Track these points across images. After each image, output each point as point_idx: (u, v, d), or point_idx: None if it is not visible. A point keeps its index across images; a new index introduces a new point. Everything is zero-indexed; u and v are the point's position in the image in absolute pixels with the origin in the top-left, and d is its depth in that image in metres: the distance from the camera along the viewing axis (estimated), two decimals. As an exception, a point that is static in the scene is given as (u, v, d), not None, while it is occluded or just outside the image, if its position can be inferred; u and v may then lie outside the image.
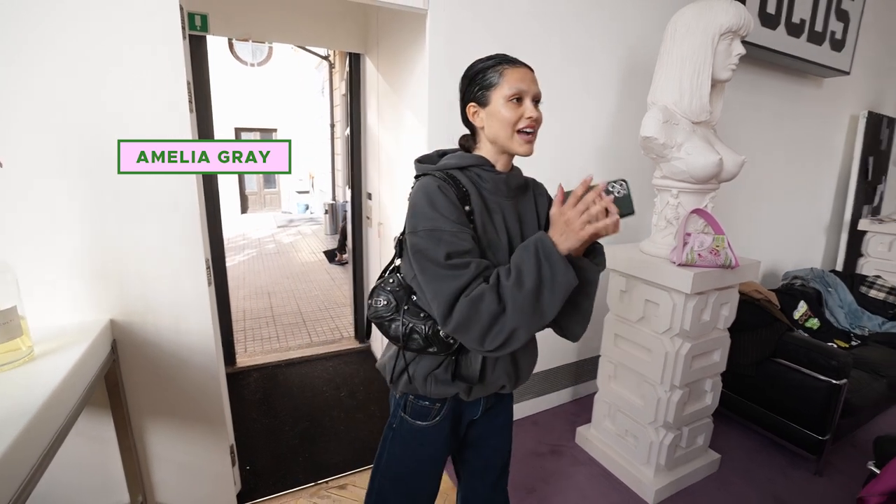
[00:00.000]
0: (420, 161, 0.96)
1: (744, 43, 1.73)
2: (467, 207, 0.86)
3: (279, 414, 2.33)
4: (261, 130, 9.84)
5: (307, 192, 10.26)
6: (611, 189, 0.83)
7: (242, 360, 2.93)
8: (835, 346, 2.50)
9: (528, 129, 0.88)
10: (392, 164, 2.42)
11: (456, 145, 1.02)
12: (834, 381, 1.90)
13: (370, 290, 0.97)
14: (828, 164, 3.51)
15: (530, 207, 1.00)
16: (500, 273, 0.80)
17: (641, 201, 2.31)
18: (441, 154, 0.97)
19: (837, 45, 2.97)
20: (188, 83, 1.33)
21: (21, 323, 0.98)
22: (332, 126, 7.49)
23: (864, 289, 2.98)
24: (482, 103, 0.89)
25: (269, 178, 10.58)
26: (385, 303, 0.92)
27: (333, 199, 7.63)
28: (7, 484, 0.72)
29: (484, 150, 0.94)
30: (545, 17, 1.93)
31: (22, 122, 1.14)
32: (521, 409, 2.32)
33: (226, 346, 2.71)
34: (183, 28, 1.29)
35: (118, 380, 1.33)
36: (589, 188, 0.80)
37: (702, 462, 1.94)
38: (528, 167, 2.05)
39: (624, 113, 2.25)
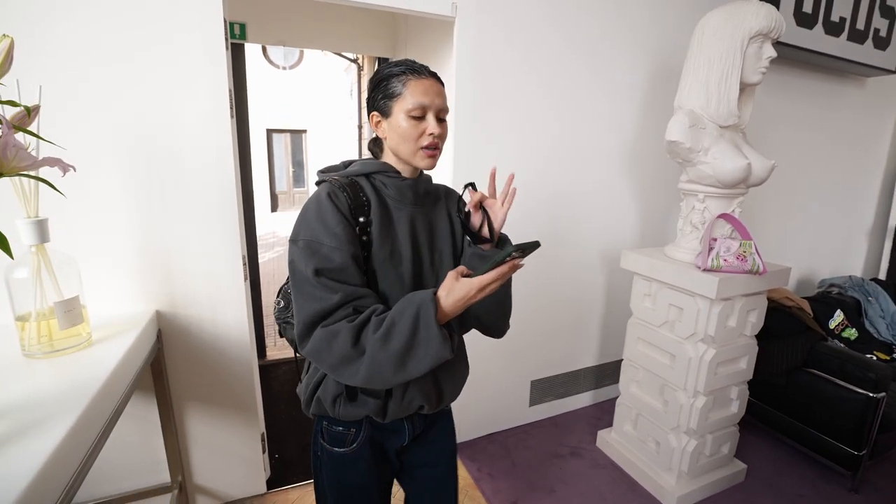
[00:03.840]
0: (322, 170, 0.91)
1: (778, 44, 1.70)
2: (362, 219, 0.81)
3: (306, 406, 2.42)
4: (291, 132, 10.12)
5: (335, 191, 10.45)
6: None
7: (272, 353, 3.04)
8: (874, 357, 2.41)
9: (429, 147, 0.83)
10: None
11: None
12: (871, 395, 1.84)
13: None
14: (871, 165, 3.36)
15: (443, 216, 0.95)
16: (371, 321, 0.75)
17: (668, 203, 2.28)
18: (346, 164, 0.92)
19: (882, 44, 2.85)
20: (230, 91, 1.41)
21: (82, 311, 1.08)
22: (360, 127, 7.63)
23: (907, 298, 2.84)
24: (384, 113, 0.84)
25: (298, 177, 10.86)
26: (284, 304, 0.91)
27: (360, 199, 7.76)
28: (71, 455, 0.80)
29: (389, 157, 0.89)
30: (565, 25, 1.94)
31: (84, 129, 1.26)
32: (540, 411, 2.34)
33: (257, 340, 2.83)
34: (225, 38, 1.38)
35: (162, 367, 1.43)
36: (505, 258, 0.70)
37: (727, 471, 1.91)
38: (554, 176, 2.06)
39: (650, 117, 2.23)
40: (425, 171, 0.90)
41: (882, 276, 3.44)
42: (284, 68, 9.51)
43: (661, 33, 2.17)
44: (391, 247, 0.84)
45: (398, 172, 0.87)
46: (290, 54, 9.45)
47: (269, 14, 2.55)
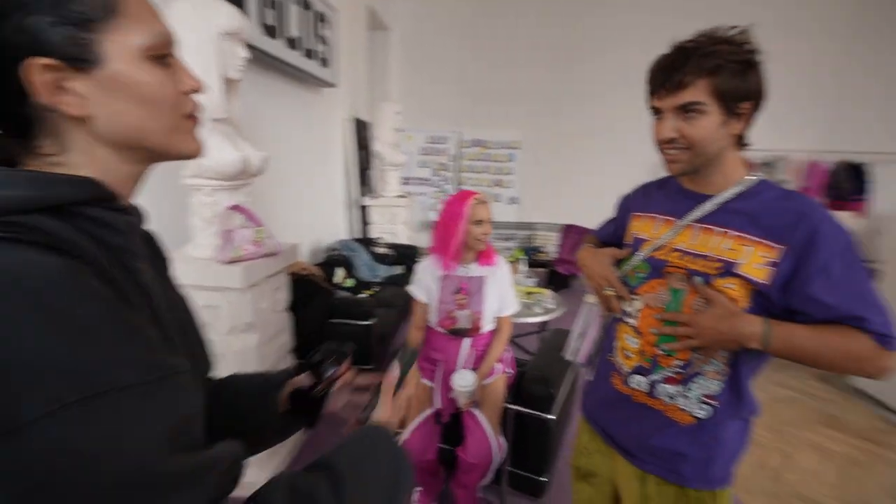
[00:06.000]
0: None
1: (255, 48, 1.85)
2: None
3: None
4: None
5: None
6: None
7: None
8: (365, 296, 3.32)
9: (195, 113, 0.50)
10: None
11: None
12: (367, 323, 2.54)
13: None
14: (335, 156, 4.46)
15: (159, 261, 0.60)
16: (318, 485, 0.46)
17: (178, 200, 2.11)
18: None
19: (325, 63, 3.74)
20: None
21: None
22: None
23: (374, 248, 4.08)
24: (86, 61, 0.41)
25: None
26: None
27: None
28: None
29: (81, 162, 0.44)
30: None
31: None
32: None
33: None
34: None
35: None
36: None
37: (297, 433, 2.14)
38: None
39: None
40: (189, 159, 0.52)
41: (358, 235, 4.75)
42: None
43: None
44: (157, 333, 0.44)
45: (112, 195, 0.44)
46: None
47: None
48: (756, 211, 0.82)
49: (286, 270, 1.98)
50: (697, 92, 0.78)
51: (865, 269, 0.78)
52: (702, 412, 0.87)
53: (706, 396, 0.87)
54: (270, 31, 2.78)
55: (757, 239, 0.80)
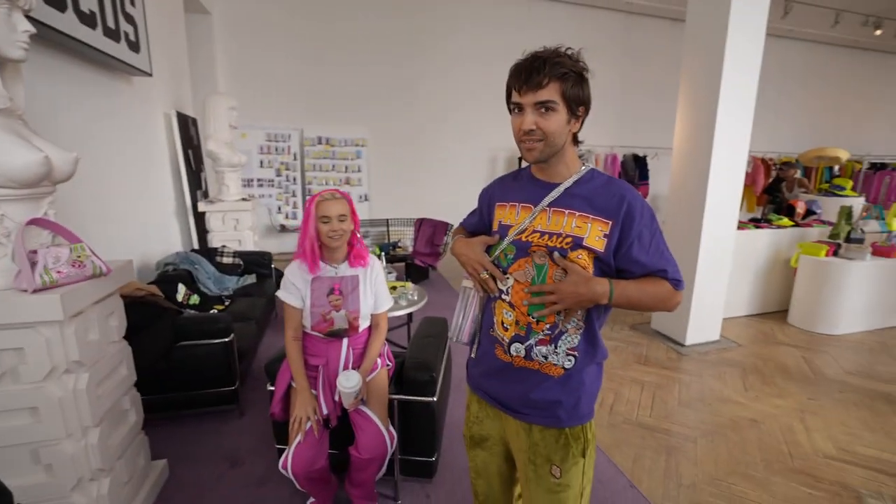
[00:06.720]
0: None
1: (38, 22, 1.47)
2: None
3: None
4: None
5: None
6: None
7: None
8: (216, 311, 2.96)
9: None
10: None
11: None
12: (226, 340, 2.28)
13: None
14: (158, 157, 3.83)
15: None
16: None
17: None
18: None
19: (134, 47, 3.15)
20: None
21: None
22: None
23: (218, 258, 3.65)
24: None
25: None
26: None
27: None
28: None
29: None
30: None
31: None
32: None
33: None
34: None
35: None
36: None
37: (152, 478, 1.83)
38: None
39: None
40: None
41: (196, 245, 4.19)
42: None
43: None
44: None
45: None
46: None
47: None
48: (590, 195, 1.01)
49: (118, 293, 1.66)
50: (551, 92, 0.94)
51: (661, 233, 1.04)
52: (569, 363, 1.05)
53: (570, 349, 1.05)
54: (56, 2, 2.24)
55: (594, 217, 0.99)
